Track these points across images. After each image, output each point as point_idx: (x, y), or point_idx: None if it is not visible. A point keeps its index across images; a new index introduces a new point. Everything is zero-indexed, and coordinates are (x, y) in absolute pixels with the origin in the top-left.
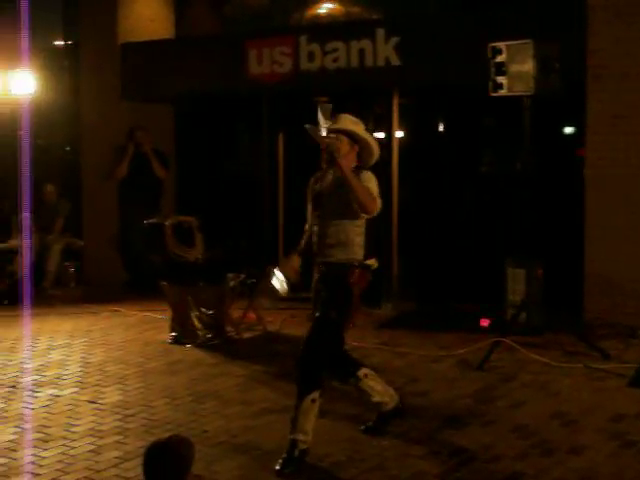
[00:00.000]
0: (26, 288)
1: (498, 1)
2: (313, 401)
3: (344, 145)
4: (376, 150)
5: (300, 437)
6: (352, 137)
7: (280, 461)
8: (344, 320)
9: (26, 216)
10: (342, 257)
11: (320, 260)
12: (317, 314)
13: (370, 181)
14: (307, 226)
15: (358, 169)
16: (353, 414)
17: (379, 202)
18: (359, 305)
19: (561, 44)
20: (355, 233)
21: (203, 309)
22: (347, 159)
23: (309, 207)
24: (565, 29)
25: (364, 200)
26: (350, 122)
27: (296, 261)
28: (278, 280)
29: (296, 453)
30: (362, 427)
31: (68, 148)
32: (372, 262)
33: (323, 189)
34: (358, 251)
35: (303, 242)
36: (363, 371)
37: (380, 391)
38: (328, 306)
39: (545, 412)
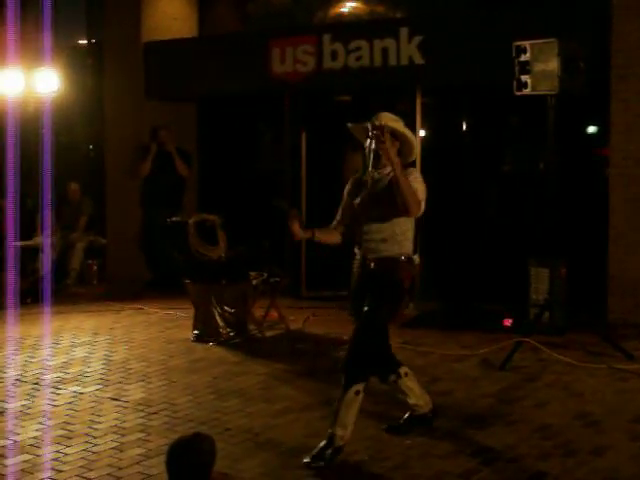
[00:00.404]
0: (49, 286)
1: (522, 0)
2: (357, 393)
3: (388, 143)
4: (416, 146)
5: (338, 431)
6: (393, 134)
7: (313, 453)
8: (393, 315)
9: (48, 214)
10: (393, 252)
11: (370, 256)
12: (366, 308)
13: (418, 181)
14: (336, 222)
15: (403, 167)
16: (377, 412)
17: (423, 206)
18: (407, 300)
19: (586, 43)
20: (406, 227)
21: (226, 307)
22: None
23: (345, 207)
24: (590, 28)
25: (409, 202)
26: (390, 119)
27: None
28: None
29: (330, 449)
30: (384, 426)
31: (91, 147)
32: (416, 257)
33: (371, 187)
34: (408, 245)
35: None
36: (404, 369)
37: (417, 394)
38: (379, 300)
39: (568, 412)
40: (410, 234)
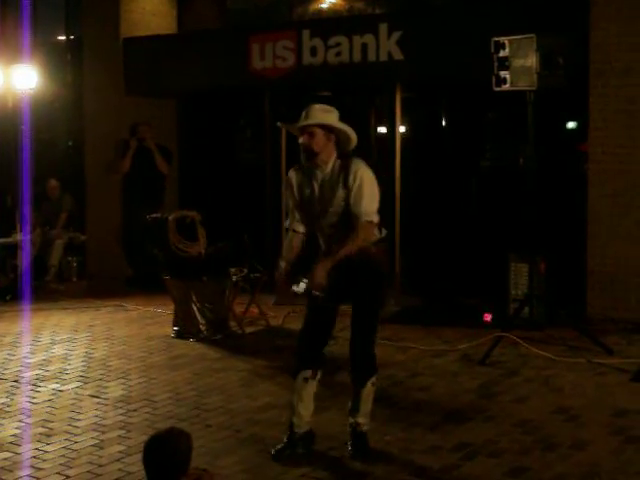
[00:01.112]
0: (28, 283)
1: None
2: (373, 384)
3: (320, 138)
4: (353, 136)
5: (362, 420)
6: (327, 128)
7: (349, 447)
8: (382, 305)
9: (27, 210)
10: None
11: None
12: (357, 307)
13: (362, 181)
14: (287, 223)
15: (344, 158)
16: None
17: (376, 218)
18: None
19: (564, 39)
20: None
21: (206, 304)
22: (326, 151)
23: (292, 203)
24: (568, 24)
25: (361, 245)
26: (321, 113)
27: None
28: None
29: (361, 435)
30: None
31: (71, 143)
32: (383, 231)
33: (315, 190)
34: (375, 231)
35: (287, 247)
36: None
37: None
38: (366, 296)
39: (548, 407)
40: None
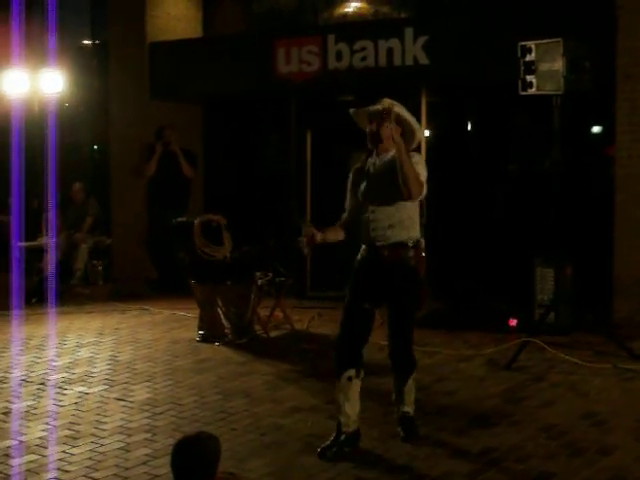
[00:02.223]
0: (54, 286)
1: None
2: (414, 380)
3: (387, 127)
4: (418, 130)
5: (409, 408)
6: (397, 119)
7: (401, 432)
8: (419, 307)
9: (53, 214)
10: (401, 237)
11: (379, 243)
12: (395, 307)
13: (420, 163)
14: (344, 215)
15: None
16: (383, 412)
17: (425, 188)
18: (427, 287)
19: (591, 43)
20: (412, 211)
21: (231, 308)
22: (390, 141)
23: (350, 198)
24: (595, 28)
25: (411, 183)
26: (393, 104)
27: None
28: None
29: (410, 420)
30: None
31: (96, 147)
32: (422, 241)
33: (373, 173)
34: (416, 229)
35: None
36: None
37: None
38: (404, 298)
39: (574, 412)
40: (417, 218)
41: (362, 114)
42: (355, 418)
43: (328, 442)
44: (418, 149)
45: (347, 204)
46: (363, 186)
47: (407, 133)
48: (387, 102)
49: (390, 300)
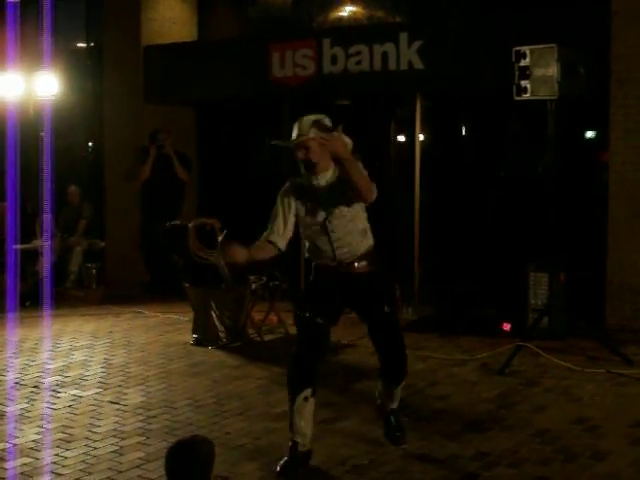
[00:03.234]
0: (48, 289)
1: (522, 4)
2: (402, 387)
3: (315, 149)
4: (348, 141)
5: (395, 405)
6: (320, 142)
7: (393, 422)
8: (396, 307)
9: (48, 217)
10: (366, 247)
11: (347, 259)
12: (383, 311)
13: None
14: (265, 234)
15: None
16: (376, 417)
17: (375, 190)
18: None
19: (585, 49)
20: (364, 217)
21: (225, 311)
22: (324, 160)
23: (281, 219)
24: (590, 34)
25: (363, 188)
26: (310, 125)
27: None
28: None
29: (397, 413)
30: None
31: (91, 150)
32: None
33: (321, 194)
34: (371, 234)
35: (257, 246)
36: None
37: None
38: (387, 302)
39: (567, 417)
40: (368, 223)
41: (287, 145)
42: (310, 436)
43: (284, 461)
44: (412, 153)
45: (281, 223)
46: (308, 206)
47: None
48: (305, 126)
49: (370, 310)
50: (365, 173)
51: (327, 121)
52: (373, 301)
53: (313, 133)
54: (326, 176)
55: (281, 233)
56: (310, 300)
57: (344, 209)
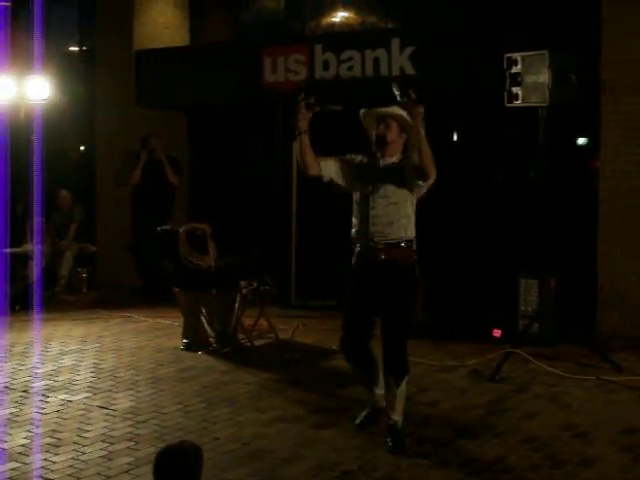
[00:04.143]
0: (38, 293)
1: (514, 12)
2: (407, 383)
3: (394, 130)
4: (424, 147)
5: (399, 419)
6: (402, 126)
7: (390, 442)
8: (416, 308)
9: (39, 221)
10: (399, 235)
11: (378, 239)
12: (395, 310)
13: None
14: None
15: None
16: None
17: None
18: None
19: (576, 56)
20: (411, 210)
21: (215, 316)
22: (396, 144)
23: (336, 160)
24: (581, 41)
25: (429, 165)
26: (400, 110)
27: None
28: None
29: (400, 431)
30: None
31: (82, 154)
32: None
33: (377, 173)
34: (412, 228)
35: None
36: None
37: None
38: (404, 300)
39: (557, 424)
40: (413, 217)
41: (371, 116)
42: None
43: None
44: None
45: (329, 160)
46: (364, 173)
47: (410, 145)
48: (393, 108)
49: (387, 303)
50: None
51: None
52: (392, 294)
53: (401, 114)
54: (388, 161)
55: (329, 165)
56: (347, 284)
57: (392, 190)
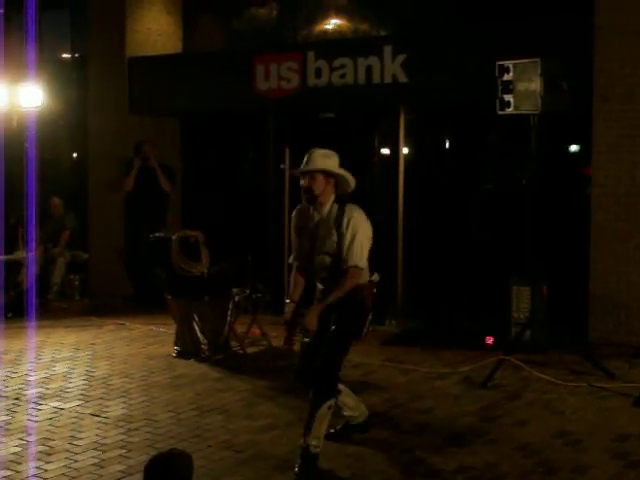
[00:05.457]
0: (31, 300)
1: (506, 19)
2: (329, 408)
3: (320, 182)
4: (351, 180)
5: (314, 442)
6: (327, 173)
7: (296, 468)
8: (359, 332)
9: (31, 228)
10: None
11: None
12: (334, 327)
13: (356, 229)
14: (291, 259)
15: (341, 202)
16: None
17: (360, 269)
18: (371, 318)
19: (568, 63)
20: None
21: (208, 324)
22: (325, 194)
23: (295, 240)
24: (572, 48)
25: (348, 291)
26: (322, 158)
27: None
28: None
29: (309, 457)
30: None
31: (74, 161)
32: (375, 277)
33: (315, 227)
34: (366, 274)
35: (292, 283)
36: (339, 387)
37: (351, 406)
38: (345, 319)
39: (549, 431)
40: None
41: (296, 172)
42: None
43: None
44: (396, 166)
45: (294, 245)
46: (308, 235)
47: (341, 183)
48: (315, 159)
49: (332, 320)
50: (358, 236)
51: (336, 158)
52: (337, 314)
53: (323, 167)
54: (322, 211)
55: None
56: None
57: (329, 247)
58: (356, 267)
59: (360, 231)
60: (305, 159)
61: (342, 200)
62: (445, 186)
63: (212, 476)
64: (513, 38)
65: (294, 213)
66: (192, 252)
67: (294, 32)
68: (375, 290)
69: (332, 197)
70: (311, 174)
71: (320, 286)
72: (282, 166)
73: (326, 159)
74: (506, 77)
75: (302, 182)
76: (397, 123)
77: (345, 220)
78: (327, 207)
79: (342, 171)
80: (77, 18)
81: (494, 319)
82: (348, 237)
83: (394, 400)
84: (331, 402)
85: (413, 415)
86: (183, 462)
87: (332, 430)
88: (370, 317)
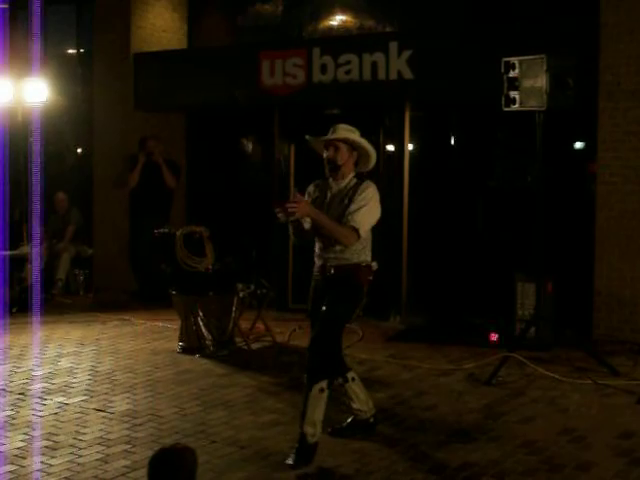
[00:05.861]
0: (35, 295)
1: (512, 16)
2: (321, 390)
3: (343, 152)
4: (373, 154)
5: (309, 430)
6: (351, 145)
7: (292, 455)
8: (351, 314)
9: (36, 223)
10: (352, 261)
11: (330, 264)
12: (325, 307)
13: (368, 204)
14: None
15: (359, 177)
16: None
17: (363, 230)
18: (365, 301)
19: (574, 60)
20: (363, 237)
21: (212, 319)
22: (347, 166)
23: None
24: (578, 45)
25: (336, 237)
26: (346, 131)
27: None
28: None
29: (305, 446)
30: (329, 429)
31: (80, 156)
32: (374, 265)
33: (326, 199)
34: (367, 254)
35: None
36: (351, 374)
37: (362, 399)
38: (338, 300)
39: (554, 428)
40: (367, 243)
41: (318, 142)
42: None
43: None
44: (401, 163)
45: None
46: (321, 204)
47: (362, 157)
48: (340, 130)
49: (325, 302)
50: (363, 217)
51: (359, 134)
52: (332, 294)
53: (348, 136)
54: (340, 185)
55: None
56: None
57: (338, 218)
58: (354, 229)
59: (370, 203)
60: (330, 130)
61: (360, 177)
62: (450, 182)
63: (216, 471)
64: (519, 35)
65: (311, 185)
66: (197, 248)
67: (299, 28)
68: (371, 278)
69: (353, 172)
70: (335, 145)
71: (326, 257)
72: (306, 137)
73: (350, 132)
74: (512, 73)
75: (325, 154)
76: (402, 119)
77: (359, 191)
78: (346, 180)
79: (365, 143)
80: (83, 14)
81: (499, 316)
82: (356, 204)
83: (399, 396)
84: (322, 384)
85: (417, 411)
86: (187, 457)
87: (335, 427)
88: (364, 301)
